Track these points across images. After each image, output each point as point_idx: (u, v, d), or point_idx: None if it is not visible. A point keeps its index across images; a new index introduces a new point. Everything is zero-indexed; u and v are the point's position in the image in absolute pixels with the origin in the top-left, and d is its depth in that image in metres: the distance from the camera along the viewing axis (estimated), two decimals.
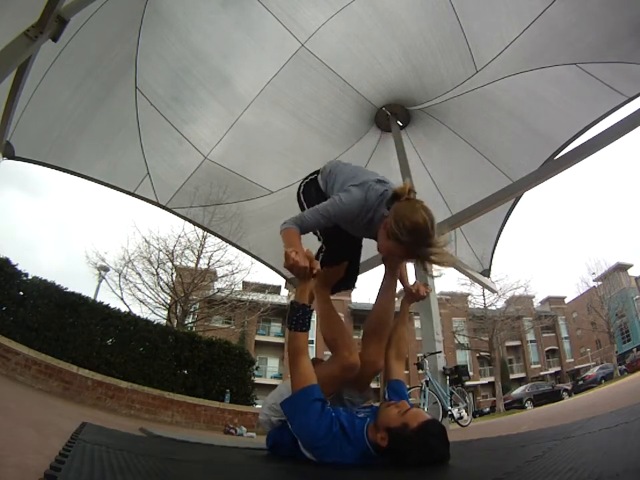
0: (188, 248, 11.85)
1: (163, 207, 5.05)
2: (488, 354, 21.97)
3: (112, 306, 7.39)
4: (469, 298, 23.54)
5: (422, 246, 1.31)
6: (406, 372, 28.00)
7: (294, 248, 1.33)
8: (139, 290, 11.52)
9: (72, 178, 4.40)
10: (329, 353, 1.63)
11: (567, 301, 35.75)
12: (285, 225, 1.49)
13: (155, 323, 8.32)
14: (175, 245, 11.72)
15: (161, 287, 11.56)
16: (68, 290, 6.70)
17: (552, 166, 3.80)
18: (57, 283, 6.62)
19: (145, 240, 11.71)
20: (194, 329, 11.83)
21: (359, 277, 2.08)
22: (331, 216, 1.49)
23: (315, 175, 1.93)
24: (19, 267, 6.24)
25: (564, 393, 17.65)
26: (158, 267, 11.62)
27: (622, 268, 30.19)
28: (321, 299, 1.76)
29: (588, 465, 0.79)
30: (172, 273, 11.74)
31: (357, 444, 1.24)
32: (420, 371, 5.29)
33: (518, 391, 19.36)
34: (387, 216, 1.39)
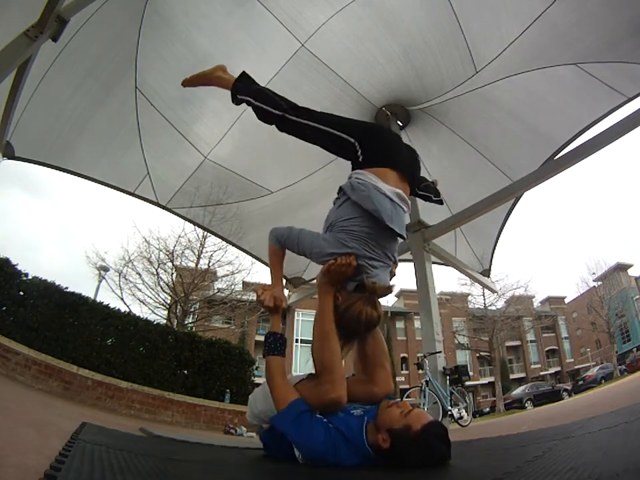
0: (188, 248, 11.86)
1: (163, 207, 5.05)
2: (488, 354, 21.97)
3: (112, 306, 7.40)
4: (469, 298, 23.56)
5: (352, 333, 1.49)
6: (406, 372, 28.06)
7: (268, 285, 1.61)
8: (139, 290, 11.54)
9: (74, 178, 4.40)
10: None
11: (567, 300, 35.77)
12: (272, 238, 1.67)
13: (155, 322, 8.32)
14: (175, 245, 11.74)
15: (160, 287, 11.57)
16: (68, 290, 6.71)
17: (552, 166, 3.80)
18: (57, 283, 6.63)
19: (145, 240, 11.73)
20: (194, 329, 11.83)
21: None
22: (312, 246, 1.58)
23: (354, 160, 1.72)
24: (19, 267, 6.25)
25: (564, 393, 17.66)
26: (158, 267, 11.63)
27: (622, 268, 30.19)
28: (320, 306, 1.51)
29: (588, 465, 0.79)
30: (172, 273, 11.75)
31: (355, 444, 1.23)
32: (420, 371, 5.29)
33: (518, 391, 19.37)
34: (348, 290, 1.53)
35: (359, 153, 1.64)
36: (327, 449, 1.22)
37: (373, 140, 1.69)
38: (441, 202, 2.30)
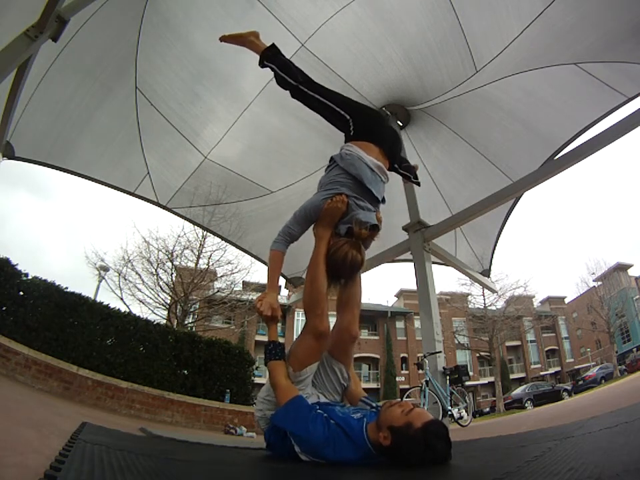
0: (187, 248, 11.86)
1: (163, 207, 5.05)
2: (488, 354, 21.95)
3: (112, 306, 7.40)
4: (469, 298, 23.53)
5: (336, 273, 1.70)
6: (406, 372, 28.06)
7: (264, 294, 1.70)
8: (139, 290, 11.53)
9: (76, 179, 4.41)
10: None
11: (567, 301, 35.73)
12: (275, 244, 1.78)
13: (155, 323, 8.30)
14: (174, 245, 11.74)
15: (160, 286, 11.57)
16: (68, 290, 6.70)
17: (552, 166, 3.79)
18: (57, 283, 6.63)
19: (145, 240, 11.73)
20: (194, 329, 11.83)
21: None
22: (307, 211, 1.79)
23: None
24: (18, 267, 6.24)
25: (564, 393, 17.65)
26: (157, 266, 11.63)
27: (622, 268, 30.18)
28: (315, 248, 1.72)
29: (588, 465, 0.79)
30: (172, 273, 11.74)
31: (356, 443, 1.24)
32: (420, 371, 5.28)
33: (518, 391, 19.34)
34: (339, 234, 1.75)
35: (351, 127, 1.96)
36: (327, 442, 1.23)
37: (363, 118, 2.01)
38: (418, 183, 2.64)
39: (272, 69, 2.10)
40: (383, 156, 1.93)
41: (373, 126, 2.00)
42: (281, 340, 1.69)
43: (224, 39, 2.33)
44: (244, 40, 2.25)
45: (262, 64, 2.14)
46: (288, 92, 2.12)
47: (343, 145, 1.95)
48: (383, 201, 1.91)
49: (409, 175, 2.45)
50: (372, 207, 1.83)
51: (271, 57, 2.11)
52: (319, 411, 1.36)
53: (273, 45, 2.14)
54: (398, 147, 2.18)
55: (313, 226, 1.82)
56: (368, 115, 2.11)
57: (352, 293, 1.77)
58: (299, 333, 1.71)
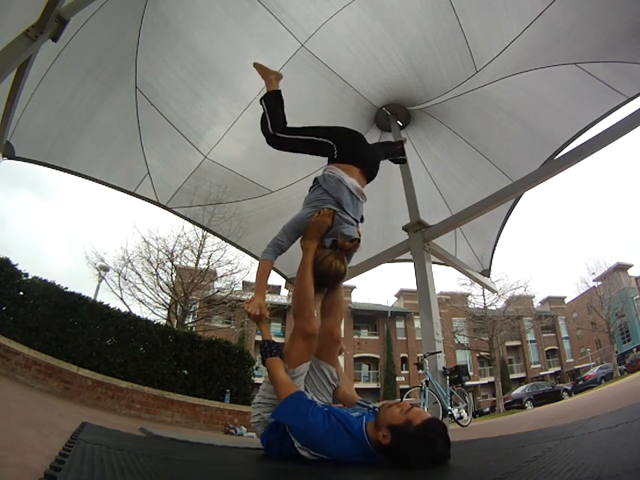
0: (187, 248, 11.86)
1: (163, 207, 5.04)
2: (488, 354, 21.94)
3: (112, 306, 7.39)
4: (469, 298, 23.52)
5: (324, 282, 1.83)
6: (406, 372, 28.06)
7: (252, 298, 1.83)
8: (139, 290, 11.52)
9: (78, 179, 4.40)
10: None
11: (567, 301, 35.70)
12: (264, 254, 1.90)
13: (155, 323, 8.30)
14: (174, 245, 11.73)
15: (160, 286, 11.56)
16: (68, 290, 6.70)
17: (552, 166, 3.80)
18: (57, 283, 6.63)
19: (145, 240, 11.72)
20: (194, 329, 11.83)
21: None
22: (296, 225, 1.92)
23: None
24: (18, 267, 6.24)
25: (564, 393, 17.64)
26: (157, 267, 11.62)
27: (622, 268, 30.17)
28: (303, 259, 1.86)
29: (588, 465, 0.79)
30: (172, 273, 11.74)
31: (356, 439, 1.25)
32: (420, 371, 5.28)
33: (518, 391, 19.32)
34: (324, 246, 1.88)
35: (335, 151, 2.11)
36: (327, 435, 1.25)
37: (345, 142, 2.17)
38: (404, 160, 2.90)
39: (263, 109, 2.24)
40: (362, 175, 2.11)
41: (354, 149, 2.17)
42: (281, 340, 1.71)
43: (256, 66, 2.49)
44: (268, 75, 2.40)
45: (260, 101, 2.29)
46: (288, 96, 2.21)
47: (326, 167, 2.11)
48: (362, 220, 2.10)
49: (396, 157, 2.76)
50: (354, 221, 2.01)
51: (269, 99, 2.26)
52: (319, 404, 1.37)
53: (279, 91, 2.31)
54: (376, 167, 2.35)
55: (300, 239, 1.94)
56: (349, 137, 2.27)
57: (335, 300, 1.92)
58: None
